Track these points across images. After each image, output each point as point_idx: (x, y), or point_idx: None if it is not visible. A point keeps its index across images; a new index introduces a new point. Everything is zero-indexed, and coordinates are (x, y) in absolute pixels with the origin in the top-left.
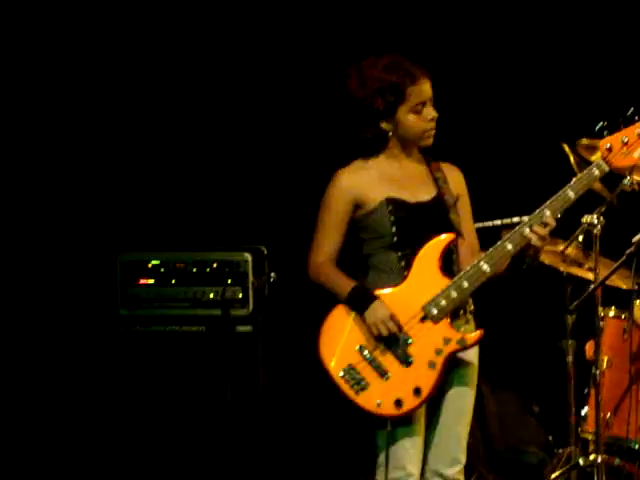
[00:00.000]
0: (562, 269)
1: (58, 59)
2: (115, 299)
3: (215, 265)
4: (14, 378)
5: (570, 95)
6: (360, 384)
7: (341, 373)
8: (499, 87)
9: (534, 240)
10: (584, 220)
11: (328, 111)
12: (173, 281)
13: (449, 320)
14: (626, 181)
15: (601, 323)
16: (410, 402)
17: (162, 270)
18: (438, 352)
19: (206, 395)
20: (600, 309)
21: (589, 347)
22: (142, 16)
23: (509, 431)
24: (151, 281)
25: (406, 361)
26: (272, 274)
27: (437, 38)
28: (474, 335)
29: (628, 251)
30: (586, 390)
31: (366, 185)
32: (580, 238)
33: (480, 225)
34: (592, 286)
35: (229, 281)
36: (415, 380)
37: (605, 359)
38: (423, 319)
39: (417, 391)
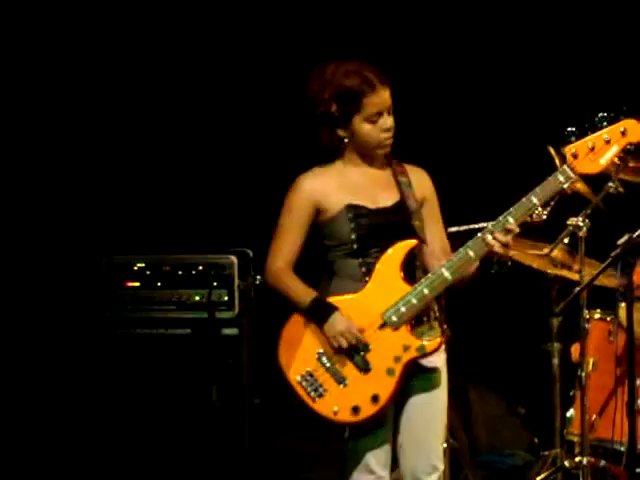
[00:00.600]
0: (549, 271)
1: (48, 56)
2: (101, 301)
3: (201, 268)
4: None
5: (551, 97)
6: (317, 391)
7: (299, 379)
8: (480, 89)
9: (496, 247)
10: (570, 222)
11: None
12: (159, 284)
13: (409, 327)
14: (611, 184)
15: (587, 325)
16: (367, 409)
17: (148, 272)
18: (397, 359)
19: (192, 397)
20: (585, 311)
21: (575, 349)
22: (129, 19)
23: (495, 433)
24: (137, 283)
25: (364, 368)
26: (258, 277)
27: (417, 39)
28: (434, 342)
29: (613, 253)
30: (572, 392)
31: (327, 191)
32: (566, 240)
33: (456, 229)
34: (577, 288)
35: (215, 284)
36: (373, 387)
37: (590, 361)
38: (382, 326)
39: (375, 398)
